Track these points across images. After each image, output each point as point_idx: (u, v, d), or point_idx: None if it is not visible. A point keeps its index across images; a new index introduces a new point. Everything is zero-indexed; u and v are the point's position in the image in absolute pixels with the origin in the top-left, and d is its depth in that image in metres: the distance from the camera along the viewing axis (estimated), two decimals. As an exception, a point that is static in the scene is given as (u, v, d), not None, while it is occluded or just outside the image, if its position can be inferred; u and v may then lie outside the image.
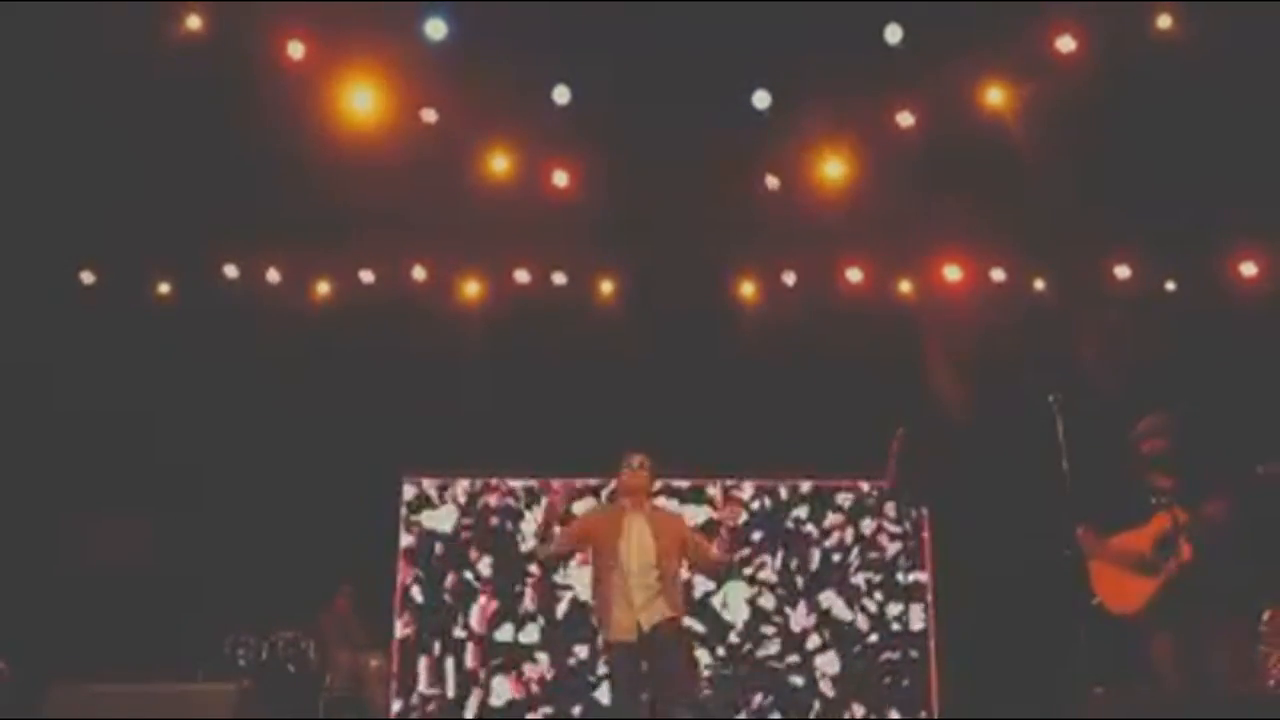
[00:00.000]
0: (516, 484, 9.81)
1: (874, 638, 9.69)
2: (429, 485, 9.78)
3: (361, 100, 8.49)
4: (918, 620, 9.66)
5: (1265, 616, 6.66)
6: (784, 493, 9.90)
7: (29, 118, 8.12)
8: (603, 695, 8.82)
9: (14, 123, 8.11)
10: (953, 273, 9.63)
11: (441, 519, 9.74)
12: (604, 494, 9.45)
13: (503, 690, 9.46)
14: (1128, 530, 6.32)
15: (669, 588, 6.24)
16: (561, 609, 9.58)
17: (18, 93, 7.99)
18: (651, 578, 6.18)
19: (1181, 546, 6.13)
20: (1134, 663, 6.25)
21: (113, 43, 7.82)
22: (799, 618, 9.71)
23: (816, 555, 9.80)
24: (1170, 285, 9.53)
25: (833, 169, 8.96)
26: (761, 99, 8.69)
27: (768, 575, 9.74)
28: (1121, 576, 6.24)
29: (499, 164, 8.93)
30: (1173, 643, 6.05)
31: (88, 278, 9.37)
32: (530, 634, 9.58)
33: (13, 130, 8.14)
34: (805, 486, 9.90)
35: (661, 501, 8.65)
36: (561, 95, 8.66)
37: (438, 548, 9.68)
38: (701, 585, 9.47)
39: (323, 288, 9.71)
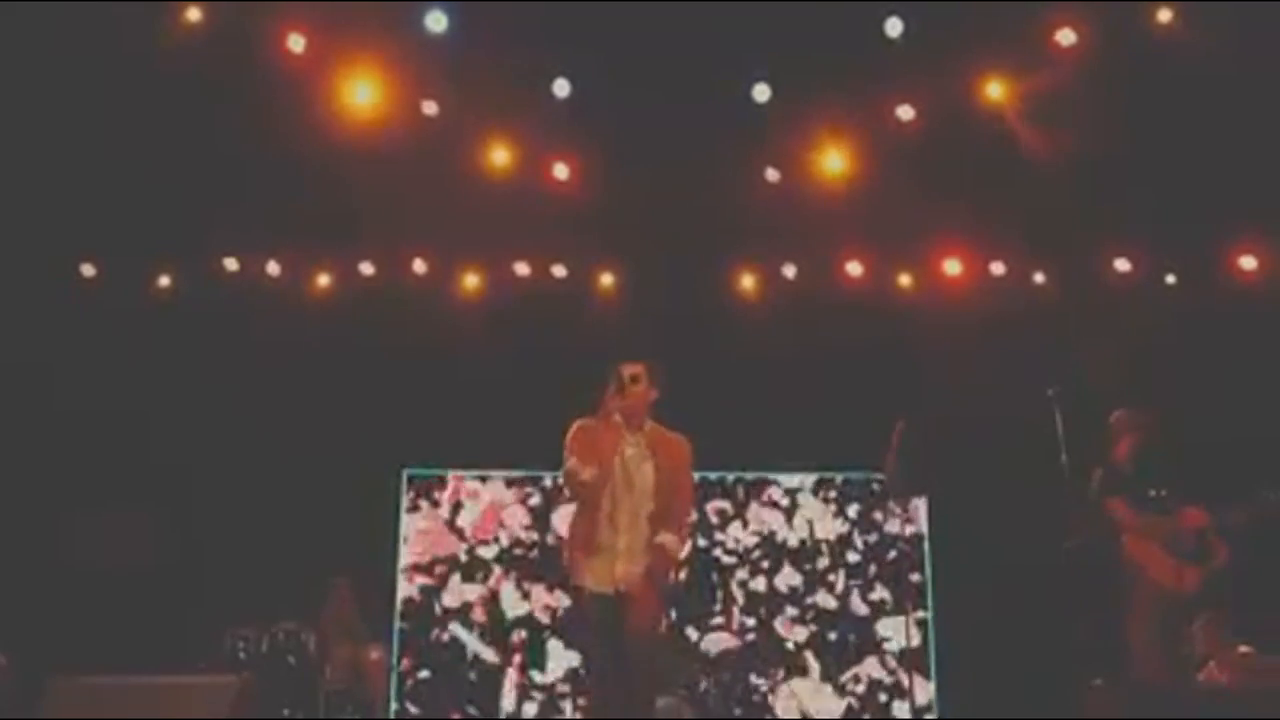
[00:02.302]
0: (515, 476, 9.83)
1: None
2: (429, 477, 9.78)
3: (362, 93, 8.50)
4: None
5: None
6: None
7: (29, 111, 8.12)
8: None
9: (14, 116, 8.11)
10: (952, 266, 9.63)
11: (441, 511, 9.76)
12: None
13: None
14: (1156, 514, 6.35)
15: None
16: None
17: (18, 86, 7.99)
18: (644, 516, 5.41)
19: (1217, 546, 6.23)
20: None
21: (113, 36, 7.82)
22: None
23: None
24: (1170, 279, 9.53)
25: (833, 162, 8.97)
26: (761, 92, 8.70)
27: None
28: (1166, 554, 6.29)
29: (499, 157, 8.94)
30: (1163, 633, 6.14)
31: (88, 270, 9.37)
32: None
33: (13, 123, 8.13)
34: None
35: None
36: (561, 88, 8.67)
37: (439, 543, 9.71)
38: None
39: (323, 280, 9.70)
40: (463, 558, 9.66)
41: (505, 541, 9.69)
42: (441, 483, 9.76)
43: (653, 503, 5.41)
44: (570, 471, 5.44)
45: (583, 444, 5.47)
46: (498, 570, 9.64)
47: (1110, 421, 6.70)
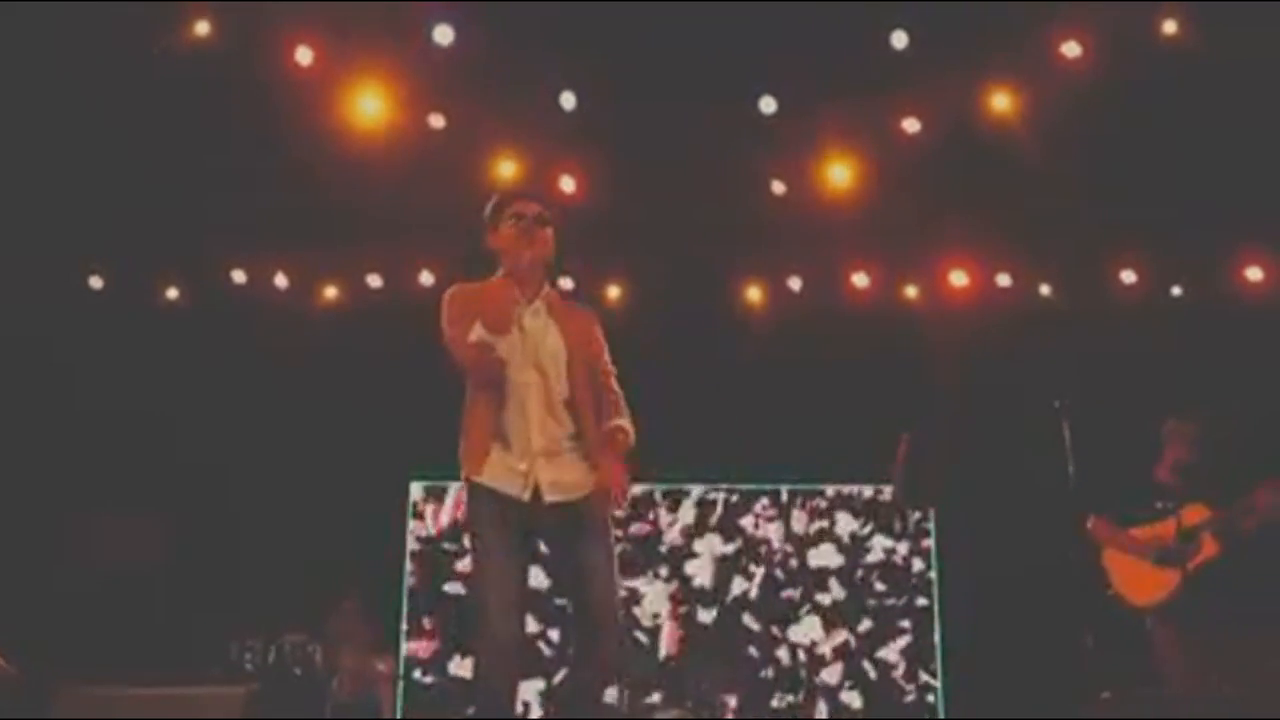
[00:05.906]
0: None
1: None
2: (436, 487, 9.78)
3: (369, 105, 8.52)
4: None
5: None
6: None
7: (37, 122, 8.15)
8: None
9: (22, 127, 8.14)
10: (958, 278, 9.63)
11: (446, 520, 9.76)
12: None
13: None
14: (1150, 523, 6.26)
15: (586, 418, 4.18)
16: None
17: (25, 97, 8.02)
18: (560, 404, 4.18)
19: (1205, 541, 6.12)
20: (1141, 664, 6.24)
21: (121, 47, 7.86)
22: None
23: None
24: (1176, 291, 9.52)
25: (839, 174, 8.98)
26: (768, 104, 8.71)
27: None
28: (1140, 567, 6.19)
29: (506, 169, 8.95)
30: (1180, 638, 6.02)
31: (96, 282, 9.40)
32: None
33: (21, 135, 8.17)
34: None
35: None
36: (568, 100, 8.69)
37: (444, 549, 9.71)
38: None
39: (330, 292, 9.72)
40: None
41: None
42: (451, 492, 9.79)
43: (568, 386, 4.20)
44: (478, 344, 4.10)
45: (479, 308, 4.20)
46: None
47: (1164, 431, 6.55)
